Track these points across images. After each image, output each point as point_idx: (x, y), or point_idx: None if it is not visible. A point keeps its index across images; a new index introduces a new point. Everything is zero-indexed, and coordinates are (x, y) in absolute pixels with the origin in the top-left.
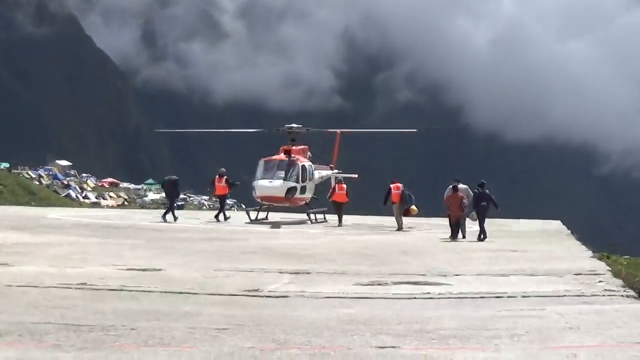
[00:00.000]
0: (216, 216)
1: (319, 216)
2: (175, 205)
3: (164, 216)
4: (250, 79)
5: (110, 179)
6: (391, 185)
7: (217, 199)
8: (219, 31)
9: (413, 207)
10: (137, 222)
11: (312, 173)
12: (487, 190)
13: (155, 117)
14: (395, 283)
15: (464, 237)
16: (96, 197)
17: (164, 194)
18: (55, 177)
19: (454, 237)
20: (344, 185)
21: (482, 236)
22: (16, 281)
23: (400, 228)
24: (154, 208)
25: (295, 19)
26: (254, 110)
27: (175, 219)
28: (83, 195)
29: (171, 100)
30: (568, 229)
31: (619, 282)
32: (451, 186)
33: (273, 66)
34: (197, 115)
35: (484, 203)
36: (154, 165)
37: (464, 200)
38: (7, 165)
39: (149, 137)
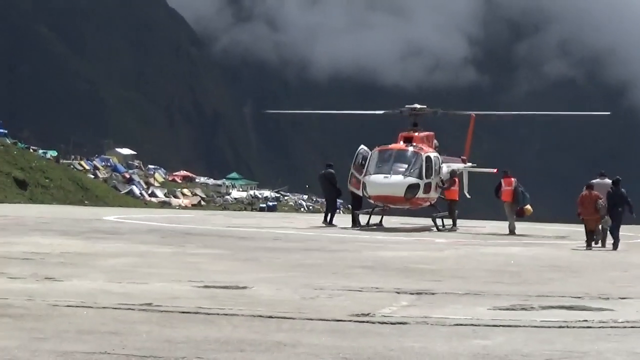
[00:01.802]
0: (325, 220)
1: (447, 221)
2: (335, 206)
3: (327, 221)
4: (359, 47)
5: (183, 172)
6: (502, 180)
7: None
8: None
9: (528, 206)
10: (217, 227)
11: (440, 167)
12: (622, 190)
13: (239, 94)
14: (543, 307)
15: (602, 245)
16: (166, 195)
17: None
18: (114, 169)
19: (589, 245)
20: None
21: (615, 245)
22: (65, 300)
23: (512, 232)
24: (239, 209)
25: None
26: (363, 86)
27: (331, 223)
28: (149, 192)
29: (259, 73)
30: None
31: None
32: (589, 183)
33: (389, 30)
34: (292, 93)
35: (618, 207)
36: (238, 156)
37: (599, 201)
38: (54, 153)
39: (231, 119)
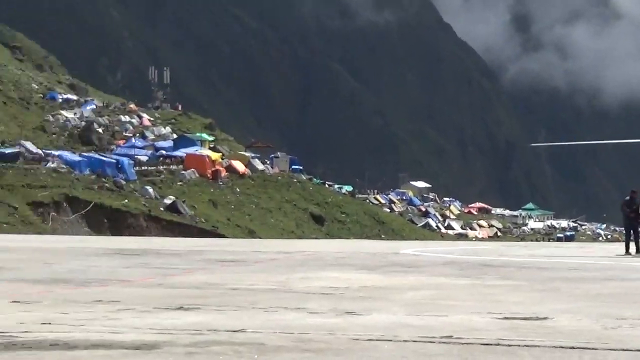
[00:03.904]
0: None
1: None
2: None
3: (629, 251)
4: None
5: (478, 204)
6: None
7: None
8: (609, 10)
9: None
10: (515, 259)
11: None
12: None
13: (531, 124)
14: None
15: None
16: (462, 227)
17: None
18: (410, 202)
19: None
20: None
21: None
22: (365, 334)
23: None
24: (536, 239)
25: None
26: None
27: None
28: (445, 224)
29: (550, 102)
30: None
31: None
32: None
33: None
34: (583, 120)
35: None
36: (533, 186)
37: None
38: (350, 188)
39: (525, 150)
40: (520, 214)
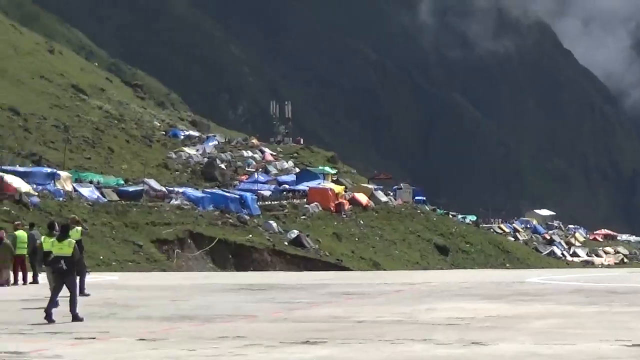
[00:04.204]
0: None
1: None
2: None
3: None
4: None
5: (604, 231)
6: None
7: None
8: None
9: None
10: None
11: None
12: None
13: None
14: None
15: None
16: (587, 254)
17: None
18: (534, 230)
19: None
20: None
21: None
22: None
23: None
24: None
25: None
26: None
27: None
28: (570, 252)
29: None
30: None
31: None
32: None
33: None
34: None
35: None
36: None
37: None
38: (473, 218)
39: None
40: None
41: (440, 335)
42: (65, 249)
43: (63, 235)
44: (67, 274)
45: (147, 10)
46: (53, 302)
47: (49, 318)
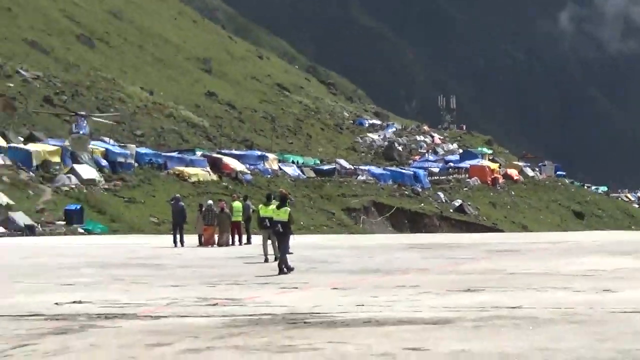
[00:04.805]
0: None
1: None
2: None
3: None
4: None
5: None
6: None
7: None
8: None
9: None
10: None
11: None
12: None
13: None
14: None
15: None
16: None
17: None
18: None
19: None
20: None
21: None
22: (621, 307)
23: None
24: None
25: None
26: None
27: None
28: None
29: None
30: None
31: None
32: None
33: None
34: None
35: None
36: None
37: None
38: (605, 189)
39: None
40: None
41: (577, 284)
42: (282, 215)
43: (282, 204)
44: (282, 235)
45: (337, 21)
46: (282, 256)
47: (285, 268)
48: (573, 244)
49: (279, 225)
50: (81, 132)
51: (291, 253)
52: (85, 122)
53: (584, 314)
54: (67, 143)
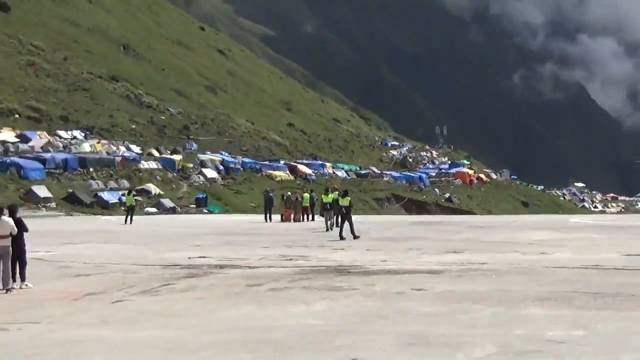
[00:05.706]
0: None
1: None
2: None
3: None
4: None
5: (611, 194)
6: None
7: None
8: None
9: None
10: (629, 223)
11: None
12: None
13: None
14: None
15: None
16: (602, 207)
17: None
18: (573, 194)
19: None
20: None
21: None
22: (551, 264)
23: None
24: None
25: None
26: None
27: None
28: (593, 205)
29: None
30: None
31: None
32: None
33: None
34: None
35: None
36: None
37: None
38: (542, 187)
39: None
40: (634, 199)
41: (524, 249)
42: (344, 201)
43: (345, 194)
44: (345, 215)
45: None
46: (340, 229)
47: (353, 236)
48: (521, 223)
49: (343, 209)
50: (192, 149)
51: (358, 237)
52: (194, 143)
53: (529, 268)
54: (181, 157)
